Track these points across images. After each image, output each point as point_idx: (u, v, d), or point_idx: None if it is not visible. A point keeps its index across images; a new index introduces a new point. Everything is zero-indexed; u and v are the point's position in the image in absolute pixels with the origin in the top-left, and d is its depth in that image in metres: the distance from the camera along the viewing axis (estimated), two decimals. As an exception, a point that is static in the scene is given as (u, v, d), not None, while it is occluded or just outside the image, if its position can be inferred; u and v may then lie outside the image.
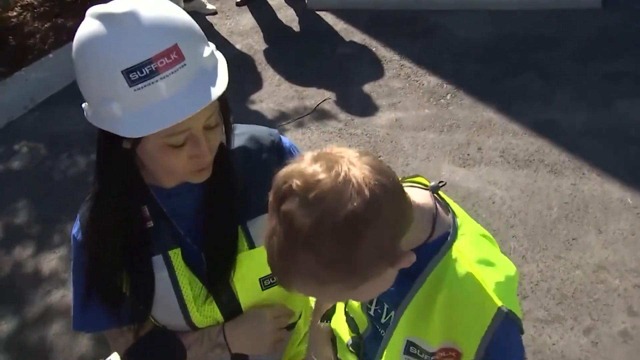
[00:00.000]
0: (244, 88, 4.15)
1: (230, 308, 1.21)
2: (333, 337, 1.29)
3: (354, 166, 0.79)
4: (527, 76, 3.77)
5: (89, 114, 1.01)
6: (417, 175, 1.07)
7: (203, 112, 0.98)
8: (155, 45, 0.91)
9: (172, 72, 0.93)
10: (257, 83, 4.21)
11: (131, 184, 1.10)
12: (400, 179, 1.06)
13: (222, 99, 1.05)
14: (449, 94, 3.78)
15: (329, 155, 0.81)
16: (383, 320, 1.07)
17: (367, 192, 0.77)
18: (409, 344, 1.01)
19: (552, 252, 2.68)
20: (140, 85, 0.91)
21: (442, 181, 1.02)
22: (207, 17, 5.07)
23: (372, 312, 1.10)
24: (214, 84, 0.98)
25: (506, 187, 3.05)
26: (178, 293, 1.17)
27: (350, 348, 1.19)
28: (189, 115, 0.94)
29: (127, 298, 1.16)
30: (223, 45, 4.63)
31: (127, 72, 0.91)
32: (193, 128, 0.99)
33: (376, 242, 0.79)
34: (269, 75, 4.27)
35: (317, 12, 4.87)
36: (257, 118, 3.83)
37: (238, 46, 4.64)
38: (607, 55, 3.78)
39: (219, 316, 1.21)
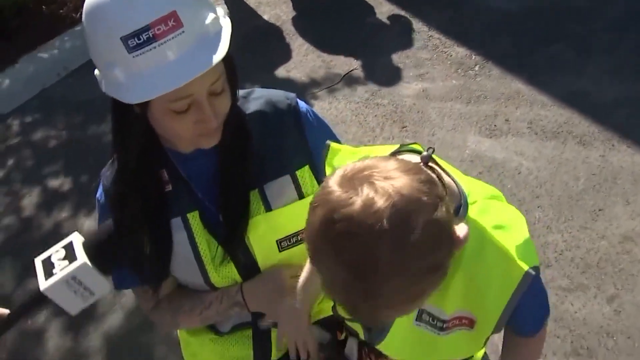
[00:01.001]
0: (271, 58, 4.17)
1: (248, 269, 1.24)
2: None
3: (393, 179, 0.75)
4: (558, 47, 3.70)
5: (99, 80, 1.04)
6: (414, 143, 1.04)
7: (205, 78, 0.98)
8: (152, 12, 0.92)
9: (171, 39, 0.93)
10: (284, 53, 4.22)
11: (148, 148, 1.13)
12: (398, 146, 1.04)
13: (229, 65, 1.06)
14: (478, 65, 3.74)
15: (358, 177, 0.76)
16: None
17: (425, 198, 0.75)
18: (421, 311, 1.01)
19: (577, 223, 2.67)
20: (138, 52, 0.93)
21: (430, 147, 0.96)
22: (235, -13, 5.08)
23: None
24: (214, 51, 0.97)
25: (533, 158, 3.03)
26: (196, 254, 1.20)
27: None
28: (186, 82, 0.95)
29: (147, 258, 1.19)
30: (251, 15, 4.65)
31: (125, 39, 0.92)
32: (196, 94, 1.00)
33: (448, 237, 0.78)
34: (297, 45, 4.28)
35: (346, -18, 4.84)
36: (285, 87, 3.79)
37: (266, 16, 4.64)
38: (643, 26, 3.70)
39: (236, 276, 1.24)
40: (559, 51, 3.67)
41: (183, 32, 0.94)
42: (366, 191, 0.74)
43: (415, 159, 0.93)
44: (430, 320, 1.01)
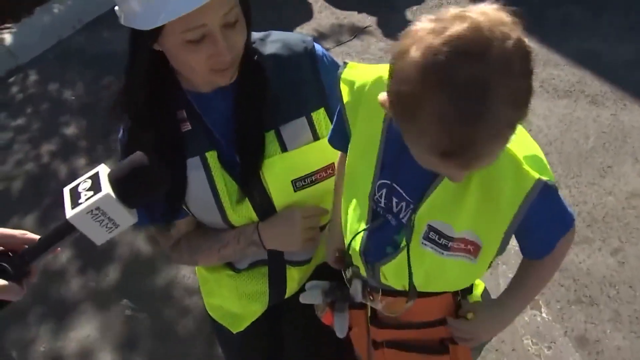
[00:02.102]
0: (285, 14, 4.17)
1: (264, 208, 1.28)
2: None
3: (484, 9, 0.77)
4: (572, 7, 3.68)
5: (119, 15, 1.07)
6: None
7: (218, 7, 0.99)
8: None
9: None
10: (298, 9, 4.22)
11: (164, 87, 1.16)
12: None
13: None
14: (492, 24, 3.73)
15: (449, 14, 0.77)
16: (395, 210, 1.07)
17: (517, 22, 0.77)
18: (430, 229, 1.02)
19: (585, 179, 2.71)
20: None
21: None
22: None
23: (382, 204, 1.08)
24: None
25: (544, 117, 3.05)
26: (214, 192, 1.23)
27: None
28: (197, 6, 0.96)
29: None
30: (266, -30, 4.62)
31: None
32: (209, 24, 1.01)
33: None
34: (311, 2, 4.26)
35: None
36: (299, 43, 3.85)
37: (280, -28, 4.62)
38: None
39: (253, 215, 1.28)
40: (573, 11, 3.65)
41: None
42: (468, 15, 0.74)
43: None
44: (437, 238, 1.02)
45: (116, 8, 1.07)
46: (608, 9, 3.60)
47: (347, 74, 1.07)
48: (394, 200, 1.06)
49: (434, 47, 0.73)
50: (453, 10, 0.77)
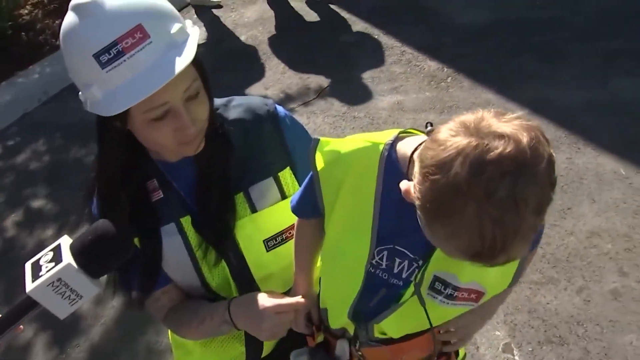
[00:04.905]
0: (249, 76, 4.28)
1: (239, 268, 1.29)
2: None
3: (512, 122, 0.79)
4: (526, 57, 3.87)
5: (83, 101, 1.10)
6: (411, 129, 1.08)
7: (177, 84, 1.02)
8: (119, 28, 0.98)
9: (139, 50, 0.98)
10: (262, 71, 4.33)
11: (132, 161, 1.19)
12: (397, 131, 1.07)
13: (202, 71, 1.11)
14: (450, 77, 3.89)
15: (483, 125, 0.79)
16: (396, 270, 1.09)
17: (541, 135, 0.80)
18: (435, 279, 1.05)
19: (547, 221, 2.78)
20: (110, 66, 0.98)
21: (429, 122, 1.01)
22: (212, 10, 5.20)
23: (383, 266, 1.10)
24: (180, 58, 1.01)
25: (504, 163, 3.14)
26: (192, 256, 1.26)
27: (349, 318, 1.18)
28: (154, 90, 0.99)
29: (139, 263, 1.24)
30: (229, 37, 4.76)
31: (97, 56, 0.97)
32: (171, 101, 1.04)
33: None
34: (274, 64, 4.39)
35: (319, 2, 4.99)
36: (263, 104, 3.93)
37: (243, 37, 4.76)
38: (607, 35, 3.87)
39: (229, 275, 1.29)
40: (527, 61, 3.84)
41: (151, 42, 1.00)
42: (510, 130, 0.77)
43: (419, 139, 1.00)
44: (442, 288, 1.05)
45: (80, 94, 1.10)
46: (561, 58, 3.79)
47: (322, 147, 1.09)
48: (397, 260, 1.08)
49: (480, 164, 0.76)
50: (485, 122, 0.80)
